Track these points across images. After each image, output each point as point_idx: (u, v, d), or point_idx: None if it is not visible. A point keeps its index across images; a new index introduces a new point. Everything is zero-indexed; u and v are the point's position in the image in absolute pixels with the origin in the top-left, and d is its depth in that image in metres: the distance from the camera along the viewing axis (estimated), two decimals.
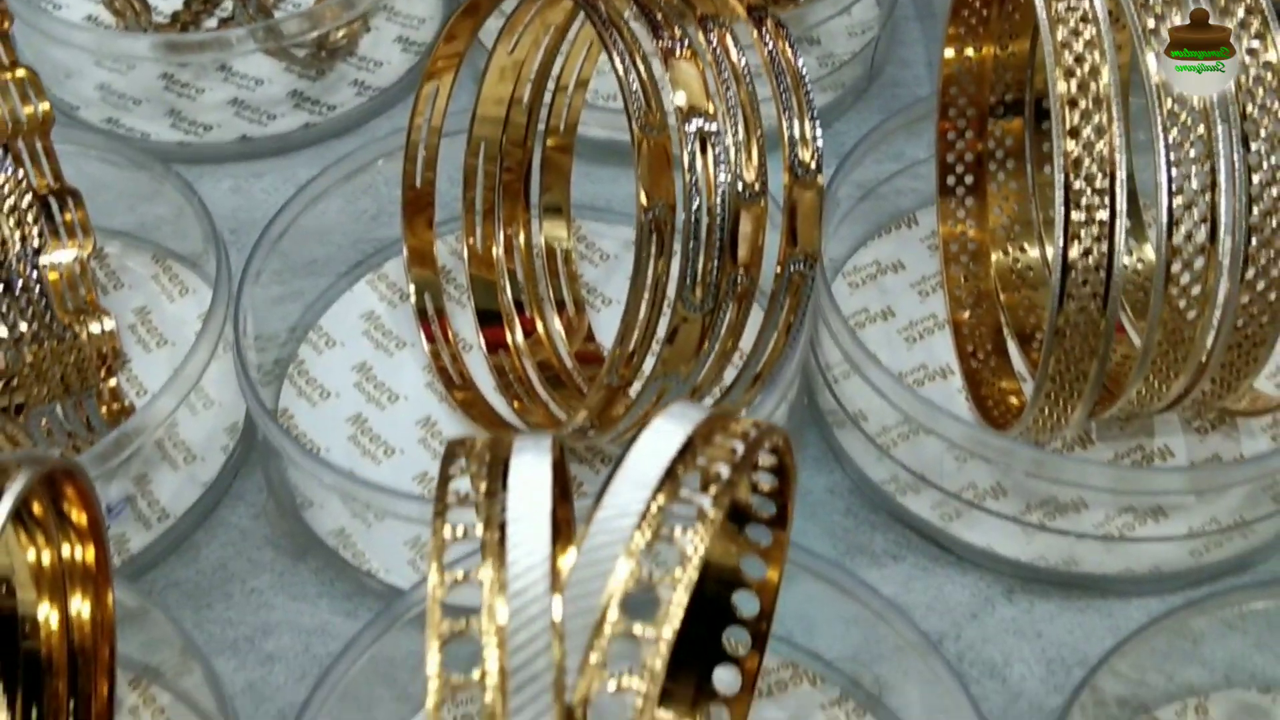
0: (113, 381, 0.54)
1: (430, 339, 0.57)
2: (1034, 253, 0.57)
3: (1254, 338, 0.45)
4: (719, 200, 0.45)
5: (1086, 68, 0.43)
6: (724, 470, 0.34)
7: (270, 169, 0.68)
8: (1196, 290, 0.44)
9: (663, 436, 0.35)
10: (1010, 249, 0.57)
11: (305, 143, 0.69)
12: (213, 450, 0.55)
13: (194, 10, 0.71)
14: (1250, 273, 0.44)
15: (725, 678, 0.46)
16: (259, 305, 0.57)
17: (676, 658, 0.46)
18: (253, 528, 0.54)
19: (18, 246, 0.46)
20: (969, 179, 0.57)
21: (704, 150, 0.45)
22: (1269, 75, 0.42)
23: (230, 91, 0.71)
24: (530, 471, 0.34)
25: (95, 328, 0.55)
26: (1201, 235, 0.43)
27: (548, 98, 0.57)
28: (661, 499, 0.33)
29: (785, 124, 0.46)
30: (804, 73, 0.46)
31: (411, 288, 0.57)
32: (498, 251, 0.57)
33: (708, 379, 0.49)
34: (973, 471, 0.53)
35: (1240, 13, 0.43)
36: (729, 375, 0.50)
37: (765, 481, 0.41)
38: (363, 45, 0.73)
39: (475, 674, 0.31)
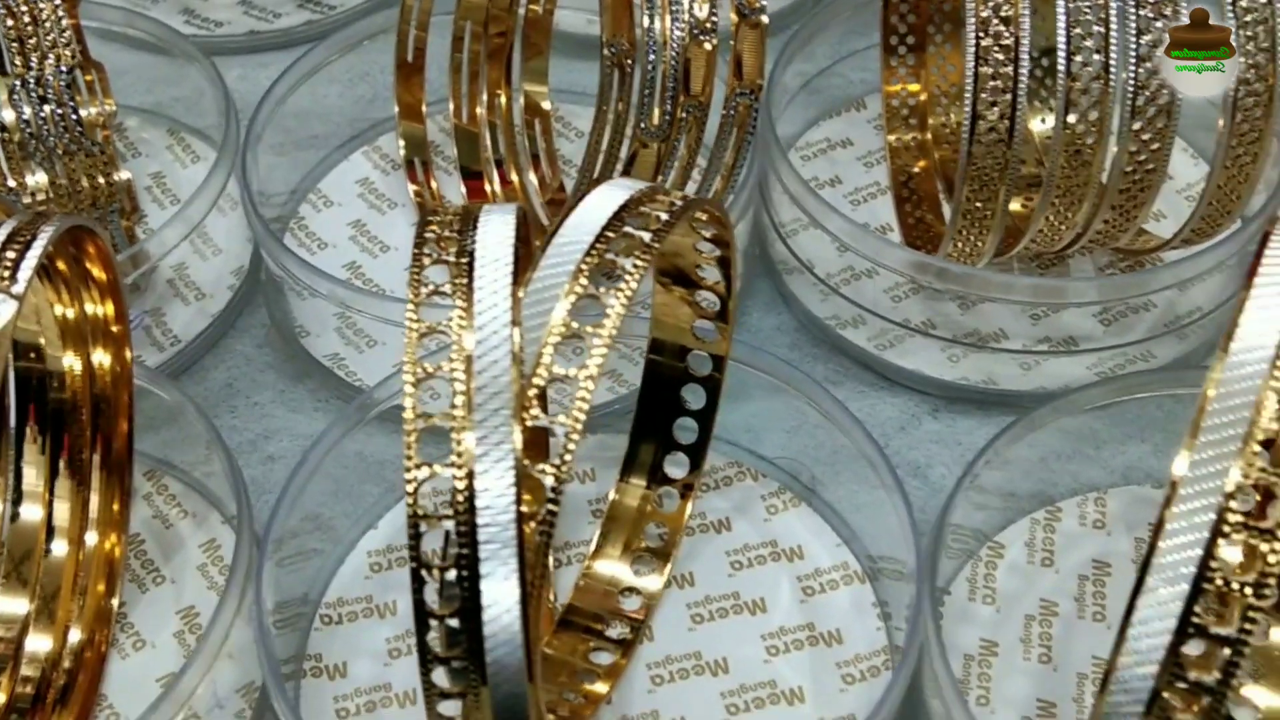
0: (127, 223, 0.60)
1: (414, 181, 0.63)
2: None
3: (1147, 163, 0.51)
4: (673, 36, 0.51)
5: None
6: (663, 215, 0.40)
7: (275, 60, 0.74)
8: (1094, 115, 0.50)
9: (606, 196, 0.41)
10: (945, 114, 0.63)
11: (307, 38, 0.74)
12: (220, 289, 0.61)
13: None
14: (1141, 99, 0.49)
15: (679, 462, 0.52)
16: (264, 170, 0.63)
17: (636, 436, 0.52)
18: (256, 354, 0.60)
19: (52, 62, 0.51)
20: (911, 43, 0.63)
21: None
22: None
23: None
24: (496, 222, 0.40)
25: (113, 178, 0.61)
26: (1096, 63, 0.49)
27: None
28: (608, 234, 0.39)
29: None
30: None
31: (401, 143, 0.63)
32: (482, 110, 0.63)
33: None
34: (907, 309, 0.59)
35: None
36: None
37: (708, 251, 0.47)
38: None
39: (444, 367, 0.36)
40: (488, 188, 0.64)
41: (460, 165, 0.64)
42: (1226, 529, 0.34)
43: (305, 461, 0.48)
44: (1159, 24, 0.49)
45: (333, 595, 0.51)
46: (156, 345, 0.59)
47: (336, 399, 0.58)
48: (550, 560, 0.51)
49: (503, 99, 0.65)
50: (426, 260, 0.38)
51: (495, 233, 0.39)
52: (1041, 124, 0.60)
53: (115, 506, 0.49)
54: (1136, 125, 0.50)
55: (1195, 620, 0.34)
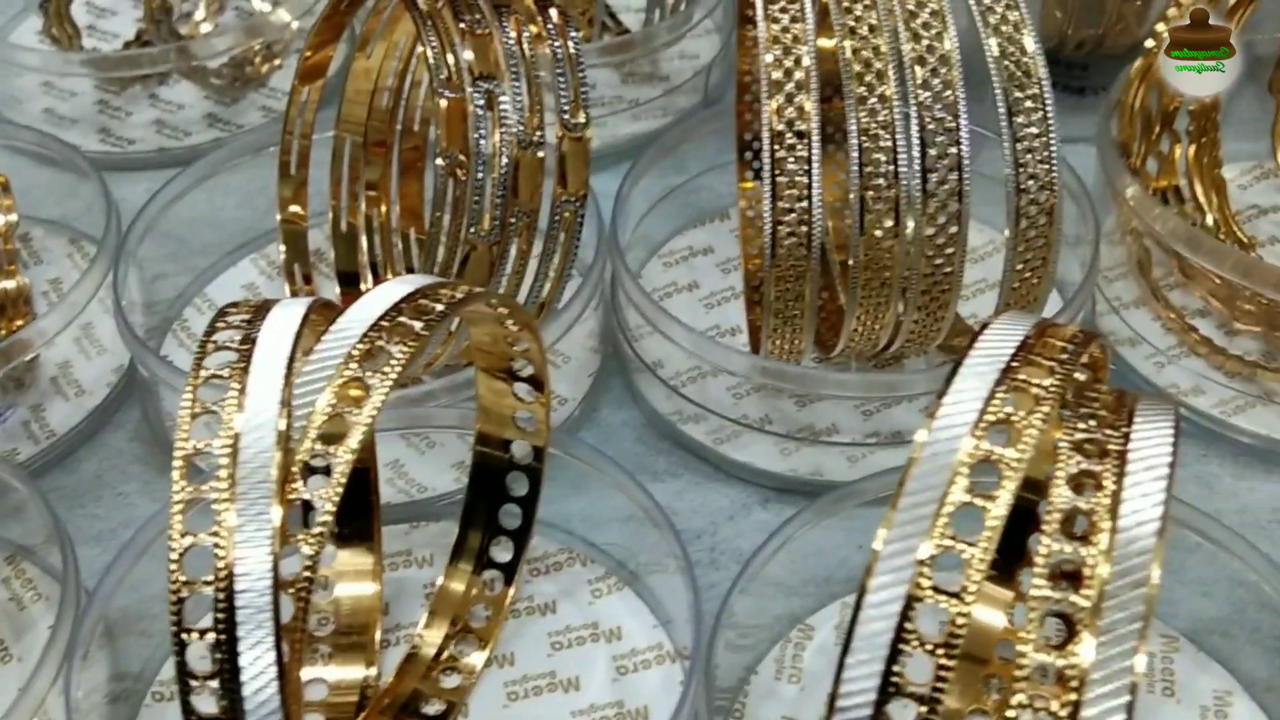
0: (19, 322, 0.64)
1: (293, 285, 0.66)
2: None
3: (944, 266, 0.54)
4: (502, 147, 0.54)
5: (792, 58, 0.53)
6: (439, 307, 0.43)
7: None
8: (889, 222, 0.53)
9: (391, 290, 0.44)
10: None
11: None
12: (99, 386, 0.64)
13: (143, 41, 0.82)
14: (932, 206, 0.53)
15: (501, 554, 0.55)
16: (152, 275, 0.67)
17: (464, 522, 0.55)
18: (128, 448, 0.63)
19: None
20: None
21: (490, 107, 0.55)
22: (934, 41, 0.52)
23: (155, 114, 0.82)
24: (284, 312, 0.43)
25: (10, 284, 0.65)
26: (887, 173, 0.52)
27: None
28: (382, 324, 0.42)
29: (560, 91, 0.56)
30: (577, 52, 0.56)
31: (281, 248, 0.67)
32: (360, 217, 0.67)
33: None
34: (748, 405, 0.62)
35: (914, 2, 0.53)
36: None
37: (520, 346, 0.50)
38: (274, 78, 0.84)
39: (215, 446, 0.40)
40: (363, 287, 0.67)
41: (337, 270, 0.68)
42: (919, 594, 0.36)
43: (133, 541, 0.51)
44: (942, 138, 0.52)
45: (167, 673, 0.53)
46: (33, 439, 0.62)
47: None
48: (378, 639, 0.53)
49: (381, 207, 0.69)
50: (210, 347, 0.42)
51: (280, 322, 0.42)
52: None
53: None
54: (930, 231, 0.53)
55: (894, 681, 0.36)
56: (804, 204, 0.53)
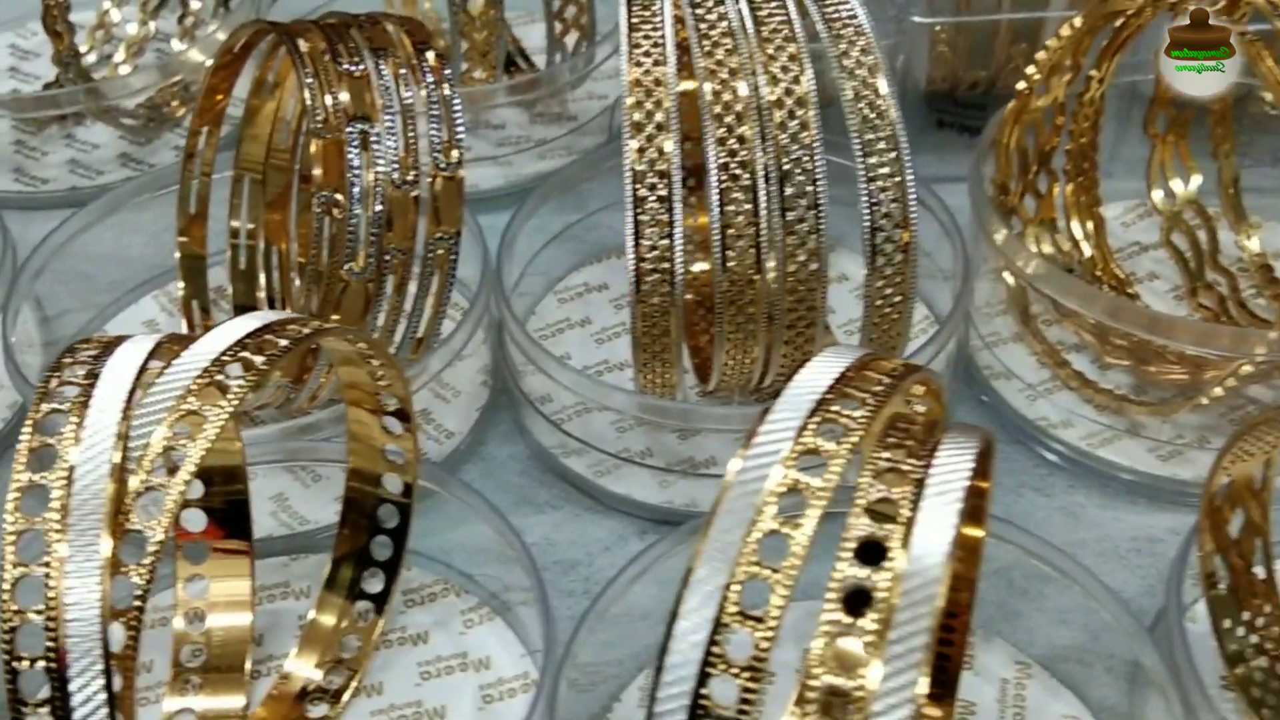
0: None
1: (190, 321, 0.67)
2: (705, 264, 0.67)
3: (805, 303, 0.55)
4: (376, 187, 0.56)
5: (653, 100, 0.54)
6: (283, 342, 0.44)
7: None
8: (750, 259, 0.54)
9: (238, 325, 0.45)
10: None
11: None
12: None
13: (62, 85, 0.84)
14: (791, 243, 0.54)
15: (373, 583, 0.56)
16: (55, 313, 0.68)
17: (337, 558, 0.55)
18: None
19: None
20: None
21: (365, 147, 0.56)
22: (791, 84, 0.54)
23: (70, 154, 0.83)
24: (129, 349, 0.44)
25: None
26: (746, 212, 0.53)
27: None
28: (223, 358, 0.43)
29: (434, 132, 0.57)
30: (452, 94, 0.58)
31: (180, 285, 0.68)
32: (260, 248, 0.68)
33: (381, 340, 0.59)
34: (629, 439, 0.63)
35: (773, 46, 0.54)
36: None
37: (384, 381, 0.51)
38: (190, 118, 0.85)
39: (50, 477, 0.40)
40: None
41: (234, 305, 0.69)
42: (725, 619, 0.37)
43: None
44: (800, 176, 0.53)
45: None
46: None
47: None
48: (249, 670, 0.54)
49: (281, 244, 0.70)
50: (54, 382, 0.43)
51: (124, 358, 0.43)
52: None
53: None
54: (791, 267, 0.55)
55: (703, 704, 0.37)
56: (666, 241, 0.54)
